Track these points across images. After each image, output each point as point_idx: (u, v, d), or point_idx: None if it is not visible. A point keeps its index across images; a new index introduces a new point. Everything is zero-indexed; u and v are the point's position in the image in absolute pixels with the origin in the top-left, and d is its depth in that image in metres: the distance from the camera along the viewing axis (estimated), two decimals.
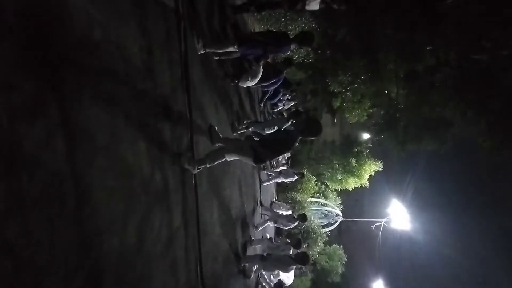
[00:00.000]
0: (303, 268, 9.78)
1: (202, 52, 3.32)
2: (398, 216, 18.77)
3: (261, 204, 7.31)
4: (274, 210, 8.26)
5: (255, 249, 5.62)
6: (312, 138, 3.40)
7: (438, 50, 9.92)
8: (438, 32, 9.13)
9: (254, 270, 5.17)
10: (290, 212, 8.58)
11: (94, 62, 1.57)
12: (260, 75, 4.15)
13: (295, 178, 9.65)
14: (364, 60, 10.75)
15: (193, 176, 2.87)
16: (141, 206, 1.96)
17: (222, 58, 3.97)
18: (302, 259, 4.83)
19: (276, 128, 5.25)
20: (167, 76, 2.50)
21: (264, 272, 6.05)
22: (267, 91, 6.92)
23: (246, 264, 4.86)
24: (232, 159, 2.87)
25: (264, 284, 6.50)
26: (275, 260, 4.96)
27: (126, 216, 1.77)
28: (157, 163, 2.23)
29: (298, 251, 5.71)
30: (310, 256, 6.02)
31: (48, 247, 1.21)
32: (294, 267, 5.18)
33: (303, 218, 7.06)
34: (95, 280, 1.48)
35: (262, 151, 2.75)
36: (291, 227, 7.70)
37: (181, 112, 2.77)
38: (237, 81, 4.24)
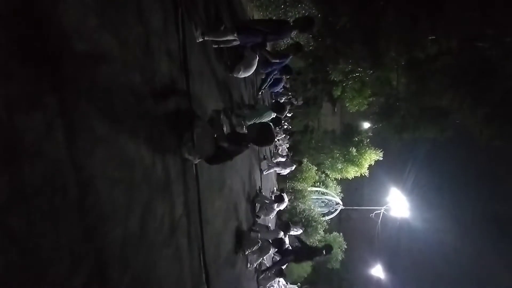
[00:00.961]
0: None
1: (200, 40, 3.26)
2: (397, 204, 19.01)
3: (260, 190, 7.37)
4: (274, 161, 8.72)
5: (257, 236, 5.70)
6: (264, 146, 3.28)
7: (440, 37, 9.77)
8: (441, 18, 8.96)
9: (255, 259, 5.29)
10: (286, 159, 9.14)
11: (91, 51, 1.54)
12: (255, 65, 4.08)
13: (294, 167, 9.72)
14: (365, 48, 10.58)
15: (194, 166, 2.88)
16: (143, 196, 1.97)
17: (221, 46, 3.90)
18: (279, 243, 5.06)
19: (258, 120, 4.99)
20: (165, 65, 2.46)
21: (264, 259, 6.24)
22: (266, 79, 6.60)
23: (248, 251, 4.96)
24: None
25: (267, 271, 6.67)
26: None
27: (128, 206, 1.79)
28: (158, 154, 2.23)
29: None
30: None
31: (52, 237, 1.22)
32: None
33: (329, 248, 6.93)
34: (100, 269, 1.51)
35: (222, 151, 2.69)
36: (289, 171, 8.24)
37: (181, 102, 2.75)
38: (231, 74, 4.16)
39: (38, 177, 1.18)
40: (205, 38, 3.30)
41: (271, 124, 3.09)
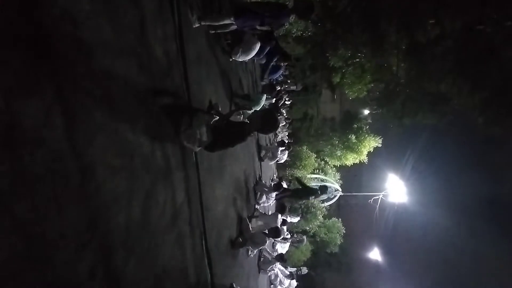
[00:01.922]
0: (299, 238, 10.36)
1: (197, 25, 3.18)
2: (395, 190, 19.27)
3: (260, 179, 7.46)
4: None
5: (257, 223, 5.81)
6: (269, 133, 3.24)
7: (442, 20, 9.57)
8: (442, 0, 8.75)
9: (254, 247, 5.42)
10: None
11: (84, 35, 1.50)
12: (254, 50, 4.00)
13: (286, 154, 9.81)
14: (365, 33, 10.38)
15: (194, 153, 2.88)
16: (144, 184, 1.99)
17: (218, 31, 3.81)
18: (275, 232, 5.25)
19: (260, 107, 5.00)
20: (161, 50, 2.41)
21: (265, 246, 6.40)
22: (267, 67, 6.57)
23: (248, 238, 5.06)
24: None
25: (266, 254, 6.84)
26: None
27: (130, 193, 1.81)
28: (157, 141, 2.23)
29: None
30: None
31: (56, 222, 1.24)
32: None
33: (323, 188, 7.28)
34: (105, 253, 1.54)
35: (217, 140, 2.68)
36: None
37: (179, 89, 2.72)
38: (231, 59, 4.09)
39: (39, 164, 1.18)
40: (202, 23, 3.22)
41: (273, 110, 3.06)
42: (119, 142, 1.74)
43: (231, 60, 4.35)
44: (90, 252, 1.43)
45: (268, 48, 4.89)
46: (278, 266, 7.40)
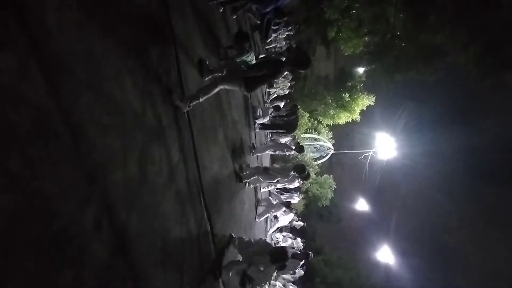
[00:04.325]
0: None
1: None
2: (384, 146, 19.89)
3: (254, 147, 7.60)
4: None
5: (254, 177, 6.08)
6: (301, 71, 3.35)
7: None
8: None
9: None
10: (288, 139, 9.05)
11: None
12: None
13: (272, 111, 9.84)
14: None
15: (185, 113, 2.85)
16: (138, 142, 1.99)
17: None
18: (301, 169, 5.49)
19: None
20: (145, 1, 2.20)
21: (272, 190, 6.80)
22: (270, 24, 6.23)
23: (248, 182, 5.39)
24: (223, 87, 2.85)
25: (271, 199, 7.34)
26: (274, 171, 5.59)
27: (124, 152, 1.82)
28: (147, 100, 2.17)
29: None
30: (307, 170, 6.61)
31: (54, 179, 1.26)
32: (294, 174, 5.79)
33: (300, 148, 7.42)
34: (107, 208, 1.61)
35: (251, 79, 2.74)
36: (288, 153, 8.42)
37: (166, 44, 2.56)
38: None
39: (26, 123, 1.15)
40: None
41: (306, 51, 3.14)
42: (106, 99, 1.69)
43: (221, 10, 4.09)
44: (92, 206, 1.49)
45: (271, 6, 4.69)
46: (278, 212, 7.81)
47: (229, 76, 2.83)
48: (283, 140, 8.88)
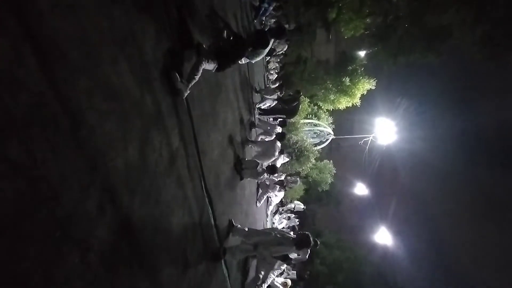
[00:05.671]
0: (293, 180, 11.09)
1: None
2: (384, 131, 19.87)
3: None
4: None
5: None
6: (261, 50, 3.33)
7: None
8: None
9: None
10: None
11: None
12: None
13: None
14: None
15: (184, 99, 2.81)
16: (137, 128, 1.98)
17: None
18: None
19: None
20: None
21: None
22: (261, 7, 6.17)
23: (246, 171, 5.44)
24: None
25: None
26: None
27: (124, 138, 1.81)
28: (145, 86, 2.13)
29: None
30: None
31: (55, 166, 1.27)
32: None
33: (281, 136, 7.27)
34: (109, 194, 1.63)
35: (223, 59, 2.85)
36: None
37: (163, 27, 2.48)
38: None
39: (24, 109, 1.14)
40: None
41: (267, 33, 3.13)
42: (103, 85, 1.66)
43: None
44: (95, 192, 1.50)
45: None
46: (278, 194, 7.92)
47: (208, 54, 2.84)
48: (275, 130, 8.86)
